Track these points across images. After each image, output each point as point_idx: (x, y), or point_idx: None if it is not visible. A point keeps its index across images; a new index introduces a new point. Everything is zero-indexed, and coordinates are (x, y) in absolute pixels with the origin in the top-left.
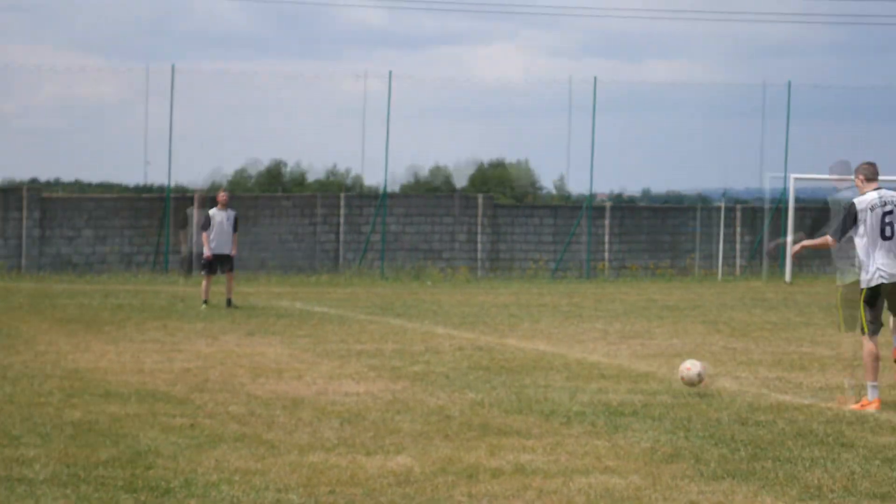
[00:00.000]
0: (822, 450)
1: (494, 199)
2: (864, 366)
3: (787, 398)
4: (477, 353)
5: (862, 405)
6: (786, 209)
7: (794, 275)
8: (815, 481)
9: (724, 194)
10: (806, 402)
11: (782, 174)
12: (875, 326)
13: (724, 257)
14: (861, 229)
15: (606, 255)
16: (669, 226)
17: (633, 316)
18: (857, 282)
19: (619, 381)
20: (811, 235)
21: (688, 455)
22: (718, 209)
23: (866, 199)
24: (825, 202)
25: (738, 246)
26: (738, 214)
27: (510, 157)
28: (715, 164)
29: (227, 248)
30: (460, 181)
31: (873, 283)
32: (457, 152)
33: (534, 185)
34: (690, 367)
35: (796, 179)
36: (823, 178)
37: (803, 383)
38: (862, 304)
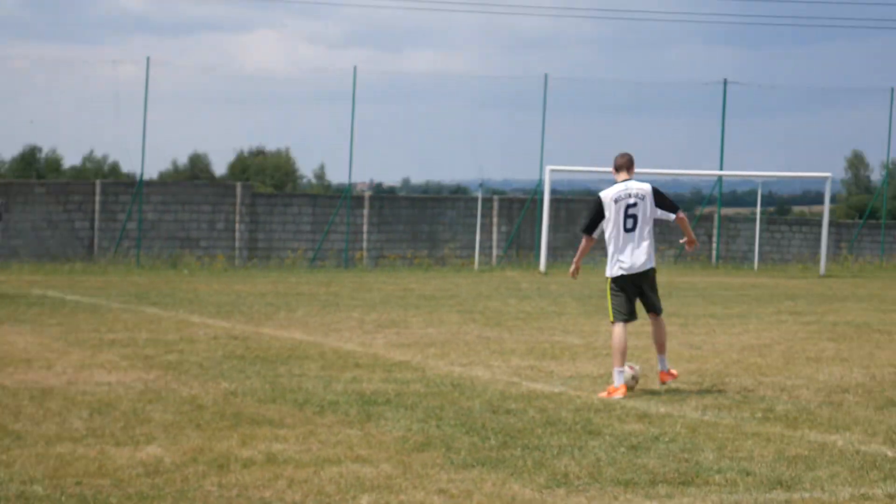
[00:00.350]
0: (570, 437)
1: (253, 188)
2: (611, 352)
3: (539, 387)
4: (232, 342)
5: (609, 392)
6: (541, 200)
7: (548, 265)
8: (563, 468)
9: (481, 185)
10: (556, 390)
11: (538, 165)
12: (623, 316)
13: (480, 247)
14: (607, 221)
15: (365, 244)
16: (428, 216)
17: (390, 305)
18: None
19: (373, 371)
20: (567, 226)
21: (439, 444)
22: (476, 200)
23: (611, 191)
24: (583, 193)
25: (494, 236)
26: (496, 205)
27: (270, 146)
28: (473, 155)
29: None
30: (219, 169)
31: (614, 274)
32: (216, 140)
33: (293, 173)
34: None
35: (552, 171)
36: (579, 169)
37: (554, 372)
38: (608, 293)
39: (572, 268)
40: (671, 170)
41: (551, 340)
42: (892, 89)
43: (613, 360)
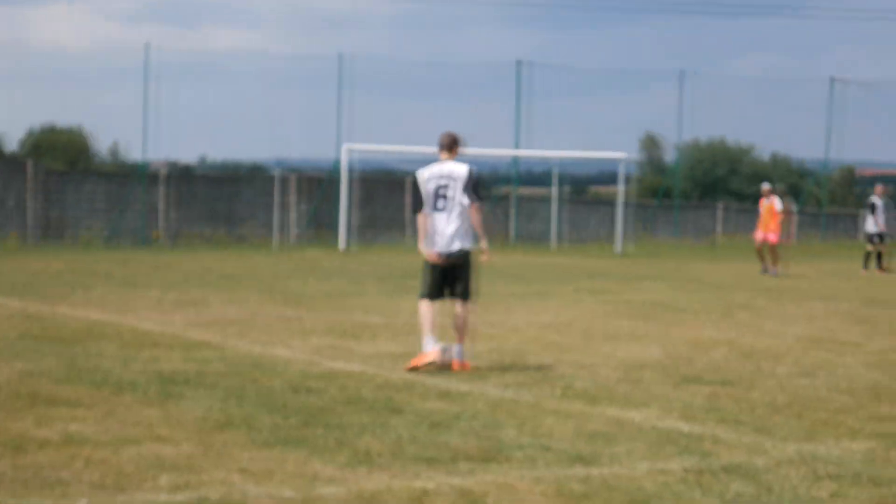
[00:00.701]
0: (371, 416)
1: (46, 166)
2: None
3: (340, 366)
4: (26, 321)
5: (418, 359)
6: (339, 179)
7: (349, 244)
8: (365, 447)
9: (279, 164)
10: (357, 369)
11: (336, 144)
12: (427, 292)
13: (280, 226)
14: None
15: (161, 223)
16: (226, 194)
17: (189, 284)
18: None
19: (172, 350)
20: (367, 205)
21: (240, 423)
22: (273, 178)
23: (427, 170)
24: (383, 173)
25: (293, 215)
26: (294, 184)
27: (63, 123)
28: (272, 134)
29: None
30: (10, 146)
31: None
32: (6, 117)
33: (87, 151)
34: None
35: (350, 150)
36: (377, 148)
37: (355, 351)
38: (423, 268)
39: (427, 252)
40: (468, 149)
41: (351, 319)
42: (682, 72)
43: (421, 329)
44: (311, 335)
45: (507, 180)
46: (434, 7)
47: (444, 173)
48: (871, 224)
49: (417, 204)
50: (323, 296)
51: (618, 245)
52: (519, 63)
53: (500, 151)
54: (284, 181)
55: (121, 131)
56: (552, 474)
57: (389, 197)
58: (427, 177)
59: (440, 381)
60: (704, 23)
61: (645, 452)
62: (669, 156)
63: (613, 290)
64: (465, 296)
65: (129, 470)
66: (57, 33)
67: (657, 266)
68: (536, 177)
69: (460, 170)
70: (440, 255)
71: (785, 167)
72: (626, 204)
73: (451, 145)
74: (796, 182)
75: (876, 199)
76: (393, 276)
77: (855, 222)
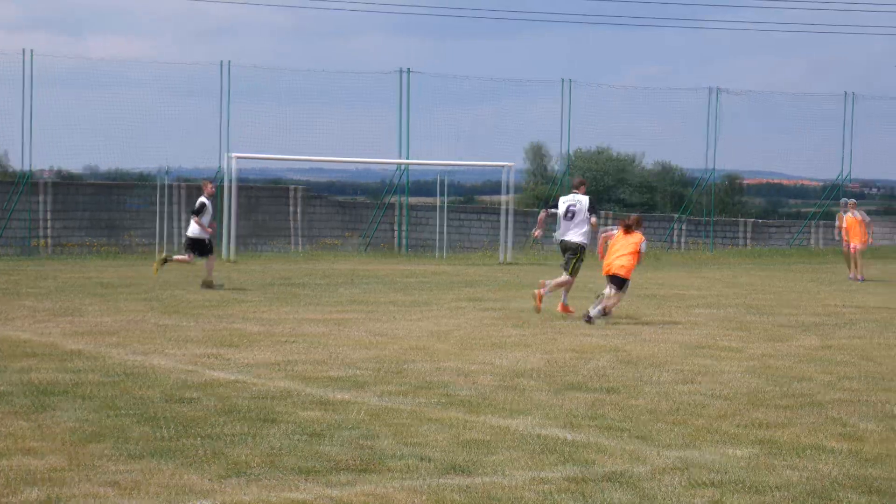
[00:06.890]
0: (247, 425)
1: None
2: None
3: (217, 374)
4: None
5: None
6: (226, 188)
7: (236, 252)
8: (240, 457)
9: (167, 172)
10: (234, 378)
11: (219, 153)
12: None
13: (167, 235)
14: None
15: (47, 231)
16: (112, 203)
17: (66, 293)
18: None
19: (47, 360)
20: (252, 214)
21: (111, 434)
22: (161, 187)
23: (565, 197)
24: (270, 181)
25: (180, 224)
26: (182, 193)
27: None
28: (160, 142)
29: None
30: None
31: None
32: None
33: None
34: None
35: (237, 158)
36: (263, 157)
37: (232, 359)
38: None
39: (535, 232)
40: (357, 158)
41: (231, 328)
42: (570, 81)
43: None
44: (190, 343)
45: (396, 189)
46: (320, 16)
47: (575, 199)
48: None
49: (548, 205)
50: (203, 304)
51: (502, 253)
52: (408, 71)
53: (387, 160)
54: (173, 190)
55: (5, 140)
56: (430, 484)
57: (276, 206)
58: (564, 199)
59: (319, 391)
60: (586, 34)
61: (526, 461)
62: (555, 165)
63: (496, 298)
64: (566, 269)
65: None
66: None
67: (544, 274)
68: (424, 186)
69: (585, 198)
70: (557, 240)
71: (670, 176)
72: (513, 212)
73: (579, 184)
74: (680, 191)
75: None
76: (276, 285)
77: (737, 230)
